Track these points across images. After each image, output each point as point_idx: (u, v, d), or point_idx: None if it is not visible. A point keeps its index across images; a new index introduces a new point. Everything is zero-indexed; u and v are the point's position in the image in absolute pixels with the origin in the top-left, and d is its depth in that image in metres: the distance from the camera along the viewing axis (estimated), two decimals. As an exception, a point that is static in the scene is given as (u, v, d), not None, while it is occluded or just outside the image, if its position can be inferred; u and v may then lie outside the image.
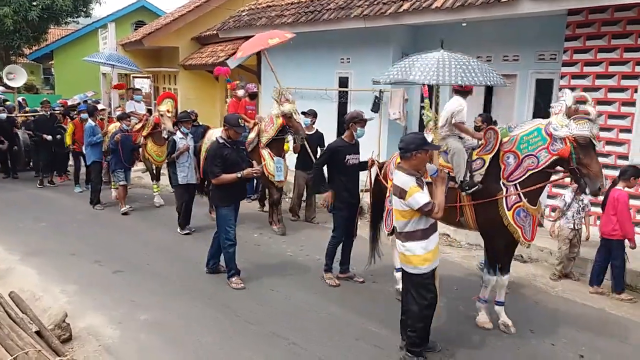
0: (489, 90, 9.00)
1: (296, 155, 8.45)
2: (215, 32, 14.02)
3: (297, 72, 11.18)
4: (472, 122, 7.54)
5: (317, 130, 8.64)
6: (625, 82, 6.88)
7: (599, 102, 7.12)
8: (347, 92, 10.92)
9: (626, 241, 5.68)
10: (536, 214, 4.74)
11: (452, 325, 5.00)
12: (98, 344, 4.56)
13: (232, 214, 5.90)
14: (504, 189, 4.68)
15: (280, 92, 7.69)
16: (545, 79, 8.15)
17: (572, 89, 7.29)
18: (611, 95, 7.01)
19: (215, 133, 8.35)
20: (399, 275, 5.26)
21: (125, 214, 8.91)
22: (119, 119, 9.42)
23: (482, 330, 4.94)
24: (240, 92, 9.15)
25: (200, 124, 10.22)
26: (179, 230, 7.88)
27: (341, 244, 6.04)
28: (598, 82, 7.13)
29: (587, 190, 4.37)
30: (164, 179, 9.50)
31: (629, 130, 6.90)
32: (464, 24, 8.40)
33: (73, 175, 11.06)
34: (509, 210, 4.62)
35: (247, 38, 13.07)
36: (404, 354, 4.30)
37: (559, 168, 4.63)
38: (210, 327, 4.92)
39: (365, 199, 6.25)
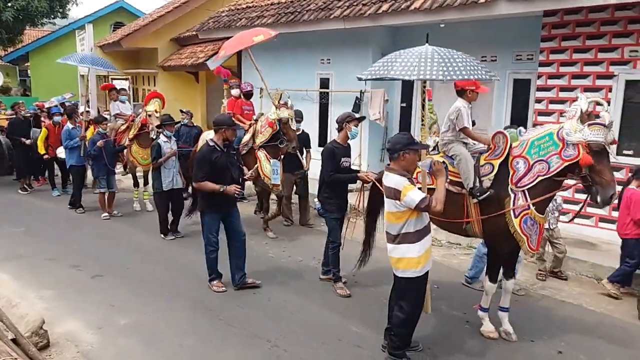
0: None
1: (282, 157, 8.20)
2: (194, 32, 13.95)
3: (278, 73, 11.16)
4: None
5: (303, 130, 8.44)
6: (599, 82, 7.02)
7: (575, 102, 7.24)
8: (328, 92, 10.95)
9: None
10: (543, 222, 4.58)
11: (434, 325, 5.03)
12: (77, 350, 4.48)
13: (217, 222, 5.73)
14: (512, 195, 4.49)
15: (281, 95, 7.47)
16: (522, 79, 8.28)
17: (550, 89, 7.46)
18: (586, 94, 7.12)
19: (210, 135, 8.26)
20: None
21: (106, 219, 8.73)
22: (95, 122, 9.11)
23: (462, 329, 4.98)
24: (235, 92, 8.82)
25: (195, 124, 10.13)
26: (162, 236, 7.70)
27: (325, 245, 5.95)
28: (574, 82, 7.25)
29: (598, 199, 4.20)
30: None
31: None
32: (442, 25, 8.47)
33: (49, 179, 10.87)
34: (515, 217, 4.44)
35: (227, 39, 13.05)
36: (386, 357, 4.31)
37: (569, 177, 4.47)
38: (192, 330, 4.87)
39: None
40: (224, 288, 5.75)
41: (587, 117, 4.23)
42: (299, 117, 8.37)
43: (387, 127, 10.25)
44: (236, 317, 5.13)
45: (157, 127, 8.03)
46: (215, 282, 5.80)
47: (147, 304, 5.44)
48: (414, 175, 4.58)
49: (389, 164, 4.12)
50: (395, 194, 3.91)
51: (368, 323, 4.99)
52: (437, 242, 7.50)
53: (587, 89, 7.11)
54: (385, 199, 4.07)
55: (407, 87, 9.97)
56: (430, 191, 4.19)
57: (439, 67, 4.13)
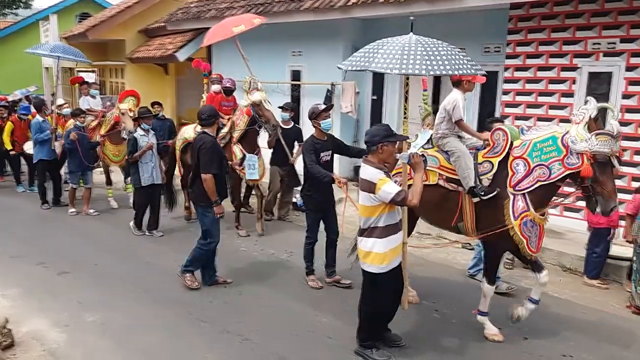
0: (437, 82, 9.20)
1: (271, 150, 7.91)
2: (163, 24, 13.70)
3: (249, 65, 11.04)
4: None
5: (294, 124, 8.27)
6: (564, 74, 7.17)
7: (541, 94, 7.41)
8: (299, 85, 10.91)
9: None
10: (544, 224, 4.47)
11: (408, 317, 5.07)
12: (42, 349, 4.39)
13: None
14: (511, 197, 4.35)
15: (250, 81, 7.20)
16: (490, 71, 8.37)
17: (516, 81, 7.59)
18: (552, 87, 7.29)
19: (188, 130, 8.02)
20: None
21: (73, 214, 8.52)
22: (73, 115, 8.77)
23: (437, 320, 5.05)
24: (216, 87, 8.44)
25: (166, 117, 9.92)
26: (135, 231, 7.50)
27: (325, 246, 5.76)
28: (540, 74, 7.39)
29: (598, 210, 4.14)
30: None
31: (568, 121, 7.17)
32: (412, 18, 8.48)
33: (13, 175, 10.56)
34: (515, 219, 4.31)
35: (196, 30, 12.93)
36: (356, 348, 4.33)
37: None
38: (162, 326, 4.83)
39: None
40: (197, 284, 5.62)
41: (594, 124, 4.09)
42: (291, 109, 8.22)
43: (358, 120, 10.29)
44: (207, 312, 5.10)
45: (134, 120, 7.75)
46: (189, 275, 5.64)
47: (115, 300, 5.35)
48: (395, 170, 4.54)
49: (366, 156, 4.04)
50: (370, 187, 3.85)
51: (339, 314, 5.03)
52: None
53: (552, 81, 7.27)
54: (359, 191, 4.01)
55: (378, 79, 10.02)
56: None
57: (422, 60, 3.82)
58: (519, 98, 7.63)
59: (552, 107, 7.30)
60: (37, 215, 8.72)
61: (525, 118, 7.47)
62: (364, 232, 4.03)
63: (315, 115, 5.53)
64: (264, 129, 7.23)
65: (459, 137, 4.71)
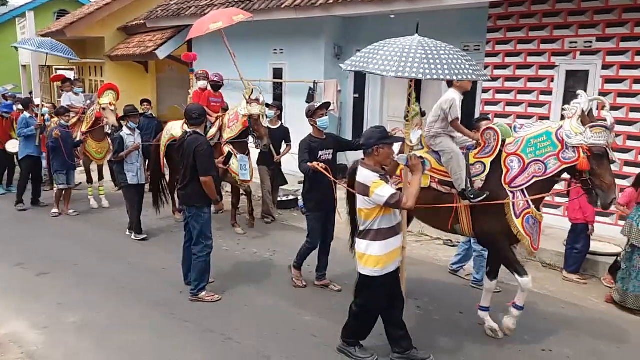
0: (418, 82, 9.24)
1: (258, 150, 7.73)
2: (142, 21, 13.55)
3: (230, 63, 10.99)
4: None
5: (282, 124, 8.16)
6: (542, 72, 7.28)
7: (520, 92, 7.52)
8: (281, 83, 10.89)
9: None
10: (542, 220, 4.42)
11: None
12: (21, 352, 4.32)
13: (210, 218, 5.41)
14: (511, 195, 4.28)
15: (253, 90, 7.08)
16: (470, 69, 8.47)
17: (496, 79, 7.68)
18: (530, 85, 7.40)
19: (175, 126, 7.86)
20: None
21: (55, 216, 8.33)
22: (57, 114, 8.58)
23: (420, 316, 5.09)
24: (202, 83, 8.22)
25: (154, 115, 9.79)
26: (132, 236, 7.21)
27: (319, 251, 5.62)
28: (518, 72, 7.49)
29: (598, 203, 4.08)
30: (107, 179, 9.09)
31: (547, 118, 7.30)
32: (392, 16, 8.57)
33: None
34: (517, 217, 4.25)
35: (176, 27, 12.81)
36: (339, 345, 4.31)
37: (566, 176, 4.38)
38: (143, 327, 4.79)
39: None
40: (219, 297, 5.37)
41: (587, 117, 4.06)
42: (277, 107, 8.09)
43: (340, 118, 10.31)
44: (189, 312, 5.07)
45: (121, 118, 7.54)
46: (205, 292, 5.34)
47: (96, 301, 5.29)
48: (398, 172, 4.47)
49: (362, 159, 3.96)
50: (364, 190, 3.80)
51: (323, 313, 5.05)
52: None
53: (531, 79, 7.38)
54: (358, 195, 3.94)
55: (360, 77, 10.05)
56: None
57: (420, 64, 3.67)
58: (498, 96, 7.72)
59: (531, 105, 7.41)
60: (16, 215, 8.56)
61: (505, 116, 7.57)
62: (361, 233, 4.00)
63: (311, 114, 5.40)
64: (255, 143, 7.17)
65: (451, 137, 4.61)
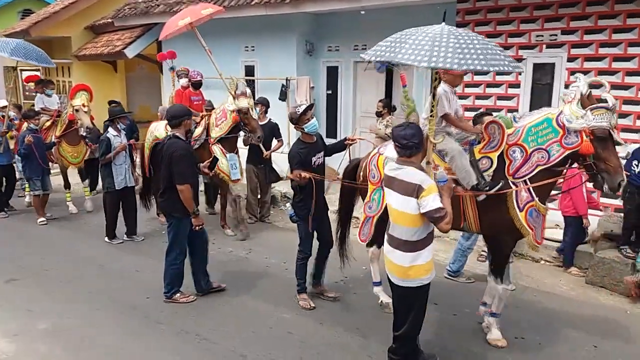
0: (389, 75, 9.31)
1: (247, 147, 7.58)
2: (110, 20, 13.30)
3: (201, 60, 10.86)
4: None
5: (270, 119, 7.83)
6: (510, 66, 7.38)
7: (488, 85, 7.63)
8: (253, 80, 10.82)
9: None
10: (545, 213, 4.29)
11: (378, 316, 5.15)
12: (-10, 361, 4.23)
13: (189, 224, 5.14)
14: (514, 187, 4.15)
15: (237, 84, 6.88)
16: (441, 64, 8.55)
17: (465, 72, 7.75)
18: (499, 78, 7.51)
19: (159, 127, 7.64)
20: (378, 289, 5.09)
21: (43, 224, 7.99)
22: (26, 117, 8.23)
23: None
24: (183, 81, 8.01)
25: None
26: (106, 239, 7.08)
27: (315, 259, 5.29)
28: (487, 66, 7.58)
29: (605, 187, 3.93)
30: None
31: (515, 110, 7.42)
32: (363, 12, 8.59)
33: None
34: (520, 211, 4.11)
35: (145, 26, 12.61)
36: None
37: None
38: (117, 330, 4.72)
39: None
40: (192, 297, 5.29)
41: (587, 100, 3.94)
42: (265, 104, 7.87)
43: (314, 115, 10.27)
44: (163, 314, 5.01)
45: (108, 121, 7.22)
46: (179, 295, 5.25)
47: (68, 307, 5.19)
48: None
49: (404, 157, 3.63)
50: (418, 191, 3.46)
51: (299, 309, 5.06)
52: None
53: (499, 73, 7.45)
54: (398, 197, 3.59)
55: (332, 73, 10.05)
56: None
57: (455, 53, 3.40)
58: (467, 90, 7.82)
59: (500, 97, 7.53)
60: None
61: (475, 109, 7.66)
62: (409, 244, 3.60)
63: (296, 120, 4.91)
64: (248, 137, 6.95)
65: (448, 133, 4.41)
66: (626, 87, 6.56)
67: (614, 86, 6.52)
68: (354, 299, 5.29)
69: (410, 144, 3.56)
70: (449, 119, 4.35)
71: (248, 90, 6.95)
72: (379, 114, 7.63)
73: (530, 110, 7.01)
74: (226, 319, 4.93)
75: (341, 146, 5.28)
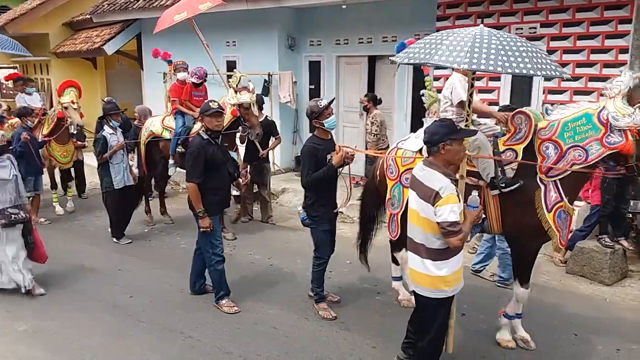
0: (372, 69, 9.32)
1: (243, 145, 7.33)
2: (88, 16, 13.11)
3: (181, 56, 10.76)
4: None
5: (266, 117, 7.58)
6: (491, 59, 7.43)
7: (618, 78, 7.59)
8: (235, 76, 10.74)
9: None
10: (573, 213, 4.08)
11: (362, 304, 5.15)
12: (-32, 364, 4.15)
13: (218, 225, 5.03)
14: (542, 187, 3.89)
15: (240, 78, 6.64)
16: (422, 57, 8.58)
17: (446, 67, 7.79)
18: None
19: (155, 122, 7.48)
20: (397, 283, 5.01)
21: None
22: (21, 115, 7.85)
23: (375, 300, 5.15)
24: (182, 75, 7.59)
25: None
26: (114, 239, 6.92)
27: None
28: (468, 60, 7.62)
29: None
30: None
31: (497, 103, 7.48)
32: (344, 6, 8.58)
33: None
34: (549, 212, 3.85)
35: (124, 22, 12.45)
36: None
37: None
38: (98, 329, 4.66)
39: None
40: (237, 308, 4.97)
41: (635, 96, 3.72)
42: (259, 102, 7.46)
43: (297, 110, 10.28)
44: (146, 313, 4.97)
45: (101, 117, 7.05)
46: (224, 300, 5.01)
47: (48, 307, 5.11)
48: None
49: (428, 157, 3.42)
50: (435, 198, 3.19)
51: (286, 304, 5.06)
52: (349, 220, 7.65)
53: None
54: (419, 200, 3.33)
55: (315, 68, 10.03)
56: None
57: (498, 55, 3.19)
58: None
59: (481, 91, 7.58)
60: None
61: (457, 102, 7.71)
62: (431, 252, 3.33)
63: (317, 115, 4.61)
64: (246, 133, 6.79)
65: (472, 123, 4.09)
66: (604, 79, 6.61)
67: (592, 78, 6.64)
68: (337, 293, 5.28)
69: (429, 143, 3.34)
70: (468, 105, 3.86)
71: (251, 85, 6.78)
72: (365, 109, 7.62)
73: (511, 103, 7.12)
74: (210, 316, 4.90)
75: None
